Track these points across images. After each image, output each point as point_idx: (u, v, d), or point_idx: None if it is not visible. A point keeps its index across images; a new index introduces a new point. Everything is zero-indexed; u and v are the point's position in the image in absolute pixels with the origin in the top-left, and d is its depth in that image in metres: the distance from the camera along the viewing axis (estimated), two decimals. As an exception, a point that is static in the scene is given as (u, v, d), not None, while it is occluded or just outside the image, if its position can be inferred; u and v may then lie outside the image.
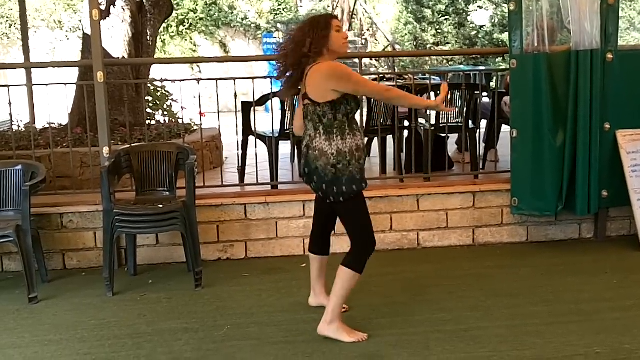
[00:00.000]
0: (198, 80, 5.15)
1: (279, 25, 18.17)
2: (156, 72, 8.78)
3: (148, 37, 7.14)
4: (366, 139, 5.73)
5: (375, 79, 5.75)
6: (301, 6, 20.24)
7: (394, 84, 5.66)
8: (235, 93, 5.03)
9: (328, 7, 19.59)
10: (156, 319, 3.75)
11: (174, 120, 7.13)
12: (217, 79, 5.06)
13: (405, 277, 4.34)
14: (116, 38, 6.77)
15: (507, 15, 4.85)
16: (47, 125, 6.38)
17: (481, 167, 5.86)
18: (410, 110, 5.47)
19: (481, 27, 20.07)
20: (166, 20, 9.57)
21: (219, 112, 5.06)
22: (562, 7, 4.66)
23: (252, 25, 17.99)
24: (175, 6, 13.67)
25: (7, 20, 15.92)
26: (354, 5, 18.59)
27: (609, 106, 4.76)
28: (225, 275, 4.48)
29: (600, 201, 4.86)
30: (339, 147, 3.21)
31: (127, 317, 3.79)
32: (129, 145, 4.87)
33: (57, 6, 17.42)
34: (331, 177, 3.22)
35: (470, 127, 5.76)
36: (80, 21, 13.26)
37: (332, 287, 3.38)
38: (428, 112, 5.81)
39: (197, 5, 17.59)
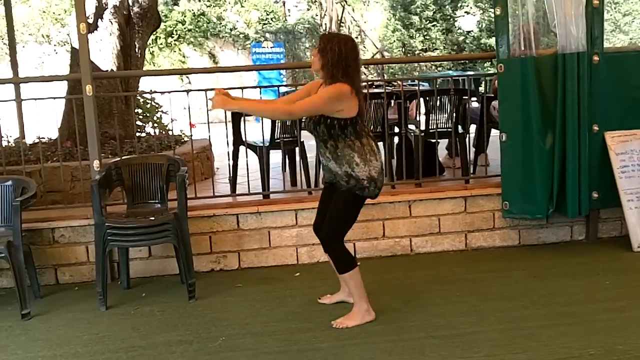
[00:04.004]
0: (187, 91, 5.15)
1: (267, 35, 18.22)
2: (145, 84, 8.78)
3: (136, 49, 7.14)
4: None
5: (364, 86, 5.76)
6: (289, 15, 20.32)
7: (383, 90, 5.68)
8: (225, 103, 5.02)
9: (316, 15, 19.67)
10: (150, 332, 3.73)
11: (164, 132, 7.13)
12: (206, 90, 5.06)
13: (398, 284, 4.34)
14: (104, 51, 6.77)
15: (493, 20, 4.88)
16: (37, 140, 6.37)
17: (472, 171, 5.88)
18: (400, 116, 5.50)
19: (468, 32, 20.20)
20: (154, 32, 9.58)
21: (209, 122, 5.06)
22: (547, 10, 4.69)
23: (241, 36, 18.03)
24: (163, 18, 13.69)
25: (-6, 36, 15.89)
26: (342, 13, 18.67)
27: (597, 108, 4.79)
28: (218, 286, 4.47)
29: (590, 203, 4.88)
30: None
31: (121, 330, 3.77)
32: (119, 158, 4.87)
33: (44, 20, 17.42)
34: None
35: (459, 132, 5.78)
36: (68, 35, 13.25)
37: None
38: (418, 118, 5.83)
39: (185, 16, 17.61)
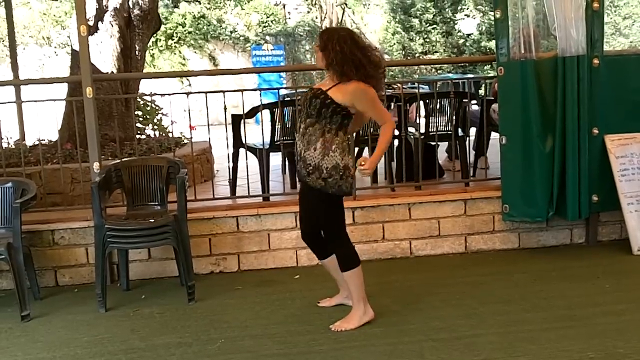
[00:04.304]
0: (187, 93, 5.15)
1: (267, 38, 18.24)
2: (145, 86, 8.78)
3: (137, 52, 7.14)
4: (357, 148, 5.75)
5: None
6: (289, 18, 20.36)
7: (382, 93, 5.67)
8: (225, 106, 5.03)
9: (316, 18, 19.70)
10: (149, 334, 3.73)
11: (164, 134, 7.13)
12: (206, 92, 5.06)
13: (398, 286, 4.34)
14: (105, 53, 6.78)
15: (493, 23, 4.88)
16: (37, 142, 6.37)
17: (472, 174, 5.88)
18: (400, 119, 5.49)
19: (469, 35, 20.24)
20: (155, 35, 9.59)
21: (209, 125, 5.06)
22: (547, 14, 4.70)
23: (241, 38, 18.05)
24: (163, 20, 13.71)
25: (-5, 38, 15.90)
26: (342, 16, 18.69)
27: (597, 111, 4.79)
28: (218, 288, 4.47)
29: (590, 206, 4.88)
30: None
31: (120, 332, 3.77)
32: (119, 160, 4.87)
33: (45, 22, 17.44)
34: None
35: (459, 135, 5.78)
36: (68, 37, 13.25)
37: None
38: (418, 121, 5.84)
39: (185, 19, 17.64)
